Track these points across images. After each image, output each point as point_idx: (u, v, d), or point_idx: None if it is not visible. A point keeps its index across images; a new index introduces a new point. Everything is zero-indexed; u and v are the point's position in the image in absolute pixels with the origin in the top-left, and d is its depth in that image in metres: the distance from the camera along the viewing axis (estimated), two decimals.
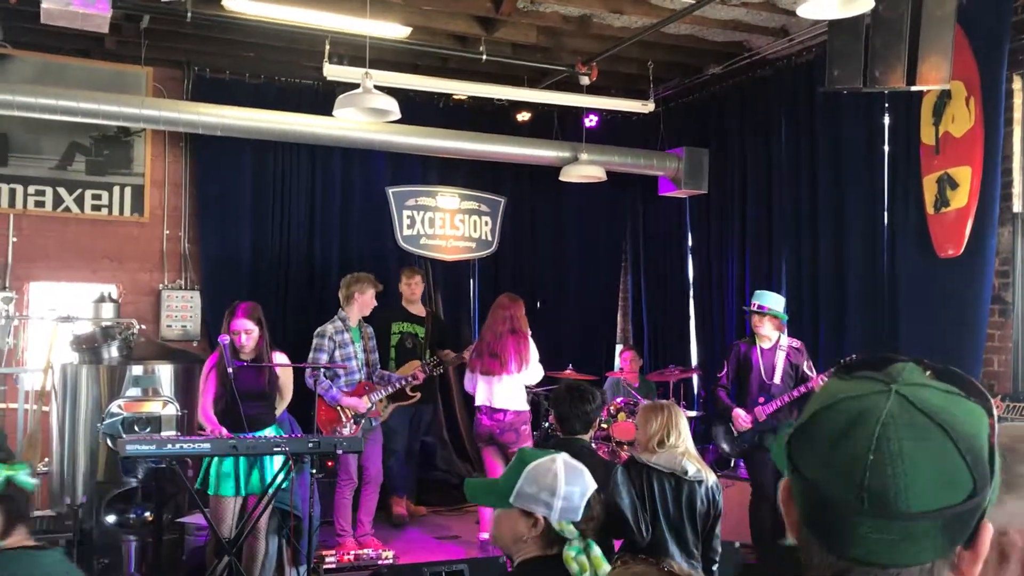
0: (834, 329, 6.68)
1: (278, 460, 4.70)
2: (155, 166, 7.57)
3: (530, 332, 6.36)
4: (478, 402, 6.24)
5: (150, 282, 7.52)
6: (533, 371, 6.31)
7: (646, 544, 3.57)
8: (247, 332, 4.95)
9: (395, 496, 7.03)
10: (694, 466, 3.73)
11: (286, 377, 5.25)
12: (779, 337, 6.01)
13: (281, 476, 4.52)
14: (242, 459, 4.77)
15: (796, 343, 6.07)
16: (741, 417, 5.94)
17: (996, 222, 5.54)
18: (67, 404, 5.78)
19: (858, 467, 0.90)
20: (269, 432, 4.93)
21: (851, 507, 0.91)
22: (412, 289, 7.12)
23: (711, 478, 3.80)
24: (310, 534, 4.65)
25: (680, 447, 3.74)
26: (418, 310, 7.13)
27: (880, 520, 0.90)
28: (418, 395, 6.78)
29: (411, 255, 8.19)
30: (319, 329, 6.11)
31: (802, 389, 5.84)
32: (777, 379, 5.92)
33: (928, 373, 0.99)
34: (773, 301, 6.04)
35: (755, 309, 5.99)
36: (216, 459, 4.76)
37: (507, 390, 6.10)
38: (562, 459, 2.37)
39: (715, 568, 3.88)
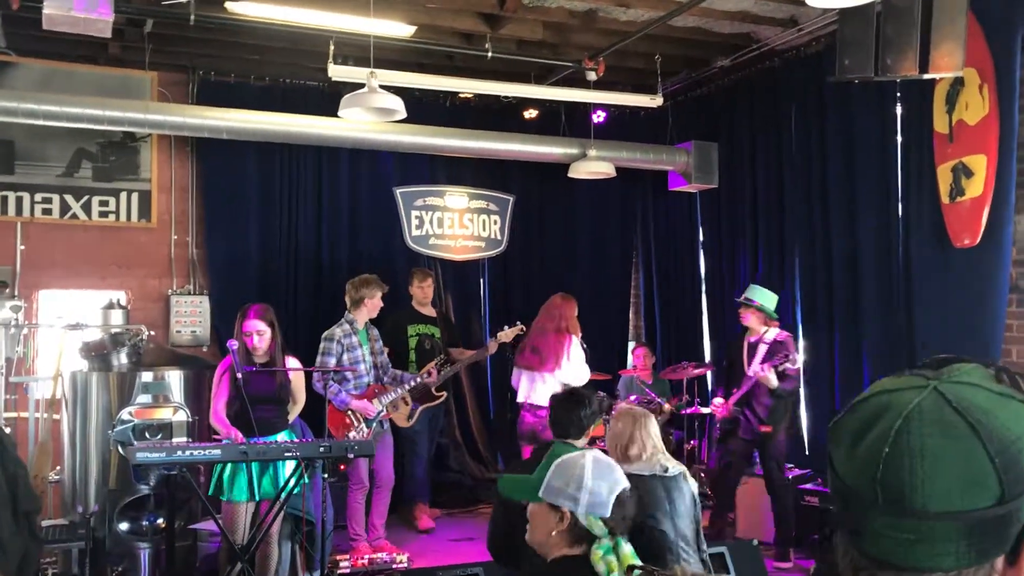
0: (850, 322, 6.61)
1: (290, 465, 4.66)
2: (162, 171, 7.54)
3: (580, 334, 6.47)
4: (520, 399, 6.44)
5: (159, 288, 7.50)
6: (576, 371, 6.35)
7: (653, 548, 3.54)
8: (259, 333, 4.94)
9: (421, 503, 6.99)
10: (670, 462, 3.72)
11: (298, 381, 5.22)
12: (766, 331, 6.27)
13: (293, 481, 4.48)
14: (255, 464, 4.74)
15: (781, 336, 6.29)
16: (715, 405, 6.44)
17: (1012, 210, 5.46)
18: (78, 412, 5.75)
19: (874, 460, 0.88)
20: (282, 437, 4.90)
21: (867, 500, 0.88)
22: (424, 292, 7.09)
23: (685, 470, 3.79)
24: (323, 539, 4.61)
25: (647, 452, 3.69)
26: (429, 311, 7.09)
27: (894, 517, 0.87)
28: (444, 394, 6.80)
29: (420, 256, 8.15)
30: (327, 333, 6.07)
31: (752, 379, 6.13)
32: (751, 371, 6.19)
33: (995, 376, 0.95)
34: (761, 295, 6.32)
35: (741, 300, 6.36)
36: (229, 464, 4.73)
37: (550, 388, 6.10)
38: (592, 455, 2.34)
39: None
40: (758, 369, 6.08)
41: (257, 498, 4.85)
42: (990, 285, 5.51)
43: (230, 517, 4.81)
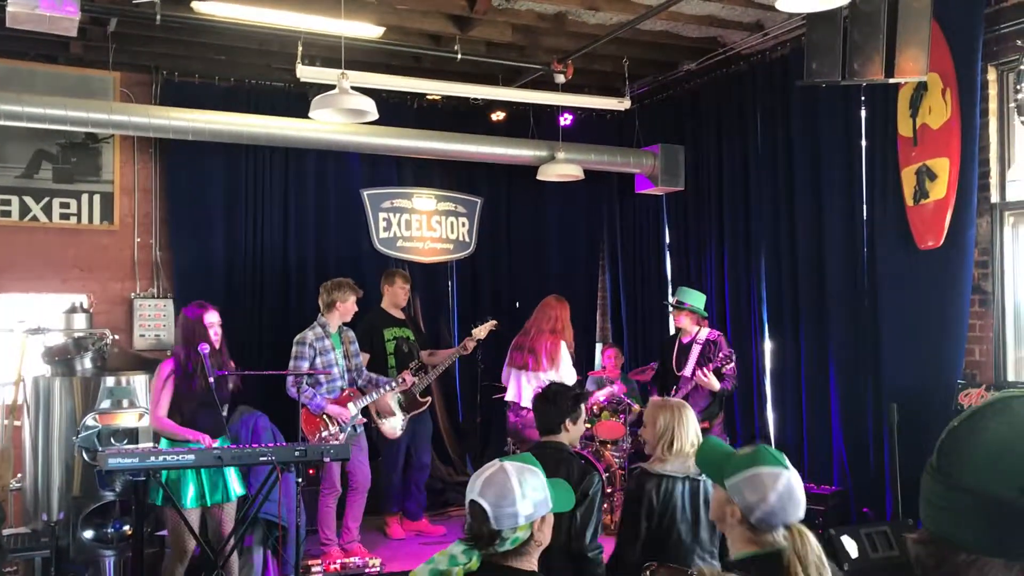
0: (815, 323, 6.69)
1: (259, 471, 4.60)
2: (124, 173, 7.41)
3: (568, 337, 6.61)
4: (508, 397, 6.52)
5: (122, 291, 7.37)
6: (564, 373, 6.41)
7: (665, 556, 3.55)
8: (220, 325, 4.85)
9: (395, 514, 6.92)
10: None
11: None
12: (699, 331, 6.42)
13: (265, 486, 4.43)
14: (204, 470, 4.62)
15: (713, 335, 6.46)
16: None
17: (975, 213, 5.57)
18: (40, 418, 5.62)
19: (944, 429, 0.98)
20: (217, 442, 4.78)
21: (929, 466, 0.97)
22: (405, 294, 7.02)
23: None
24: (297, 544, 4.56)
25: (686, 448, 3.71)
26: (400, 314, 7.04)
27: (939, 484, 0.95)
28: (429, 400, 6.77)
29: (388, 258, 8.10)
30: (299, 336, 6.01)
31: (692, 381, 6.22)
32: (687, 371, 6.34)
33: None
34: (692, 297, 6.50)
35: (674, 304, 6.52)
36: (176, 471, 4.56)
37: (535, 389, 6.11)
38: (513, 466, 2.31)
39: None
40: (699, 374, 6.17)
41: (209, 503, 4.72)
42: (953, 286, 5.62)
43: (178, 524, 4.67)
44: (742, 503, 2.26)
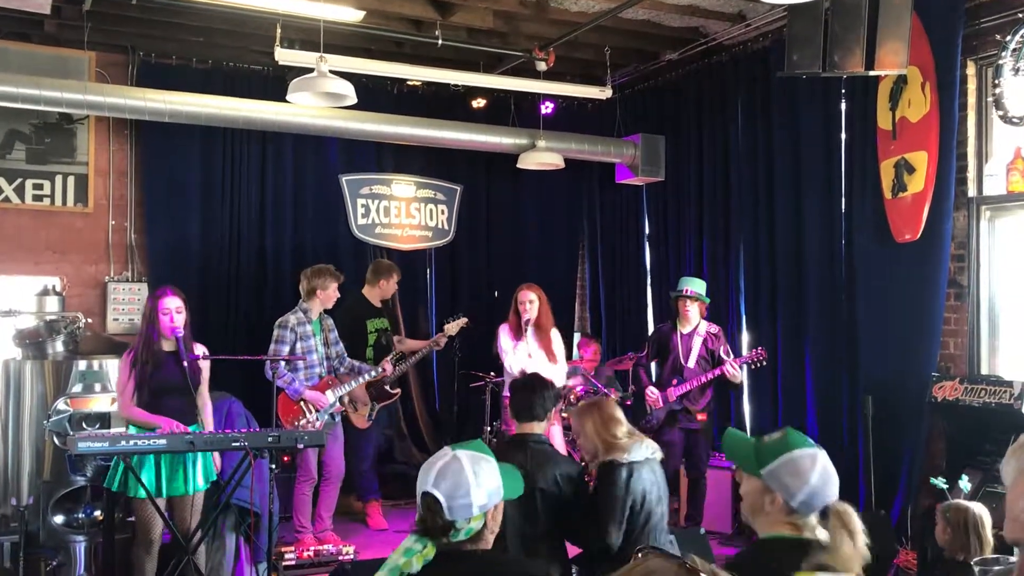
0: (793, 315, 6.71)
1: (217, 460, 4.56)
2: (99, 154, 7.32)
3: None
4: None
5: (95, 274, 7.29)
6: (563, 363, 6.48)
7: (632, 538, 3.59)
8: (178, 311, 4.68)
9: (373, 501, 6.88)
10: (652, 444, 3.80)
11: (207, 370, 5.00)
12: (699, 323, 6.42)
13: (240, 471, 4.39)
14: (163, 459, 4.52)
15: (714, 328, 6.47)
16: (652, 396, 6.38)
17: (951, 206, 5.60)
18: (10, 401, 5.56)
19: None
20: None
21: None
22: (393, 288, 6.96)
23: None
24: (270, 530, 4.52)
25: (625, 437, 3.78)
26: (379, 304, 6.96)
27: None
28: (399, 391, 6.73)
29: (366, 244, 8.05)
30: (281, 320, 5.95)
31: (712, 374, 6.27)
32: (692, 363, 6.35)
33: None
34: (699, 286, 6.47)
35: (687, 294, 6.39)
36: (134, 457, 4.41)
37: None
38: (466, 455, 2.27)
39: None
40: (728, 367, 6.20)
41: (165, 495, 4.61)
42: (929, 279, 5.64)
43: (143, 515, 4.58)
44: (783, 489, 2.24)
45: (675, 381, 6.34)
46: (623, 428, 3.81)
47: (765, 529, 2.29)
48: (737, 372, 6.27)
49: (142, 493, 4.50)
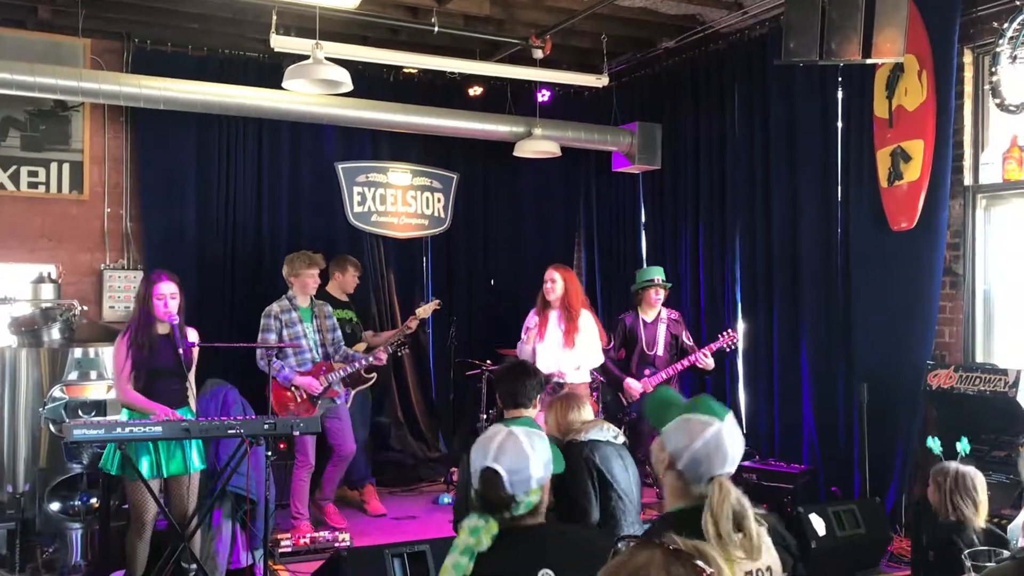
0: (789, 303, 6.72)
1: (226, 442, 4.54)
2: (94, 141, 7.29)
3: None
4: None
5: (91, 262, 7.27)
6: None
7: (601, 520, 3.59)
8: (172, 297, 4.64)
9: (369, 486, 6.92)
10: (614, 429, 3.84)
11: (196, 356, 4.93)
12: (660, 310, 6.47)
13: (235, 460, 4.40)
14: (161, 442, 4.48)
15: (675, 314, 6.55)
16: (633, 387, 6.31)
17: (947, 195, 5.60)
18: (6, 389, 5.57)
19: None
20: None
21: None
22: (355, 282, 6.91)
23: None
24: (266, 517, 4.53)
25: (587, 423, 3.83)
26: (344, 297, 6.93)
27: None
28: (375, 376, 6.74)
29: (362, 232, 8.04)
30: (266, 309, 6.01)
31: (685, 363, 6.30)
32: (660, 350, 6.37)
33: None
34: (663, 273, 6.56)
35: (658, 282, 6.42)
36: (131, 445, 4.38)
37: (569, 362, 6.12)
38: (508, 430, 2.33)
39: None
40: (700, 355, 6.25)
41: (165, 474, 4.59)
42: (925, 268, 5.66)
43: (136, 496, 4.56)
44: (671, 448, 2.26)
45: (648, 371, 6.35)
46: (582, 415, 3.87)
47: (668, 497, 2.32)
48: (709, 361, 6.27)
49: (144, 473, 4.47)
